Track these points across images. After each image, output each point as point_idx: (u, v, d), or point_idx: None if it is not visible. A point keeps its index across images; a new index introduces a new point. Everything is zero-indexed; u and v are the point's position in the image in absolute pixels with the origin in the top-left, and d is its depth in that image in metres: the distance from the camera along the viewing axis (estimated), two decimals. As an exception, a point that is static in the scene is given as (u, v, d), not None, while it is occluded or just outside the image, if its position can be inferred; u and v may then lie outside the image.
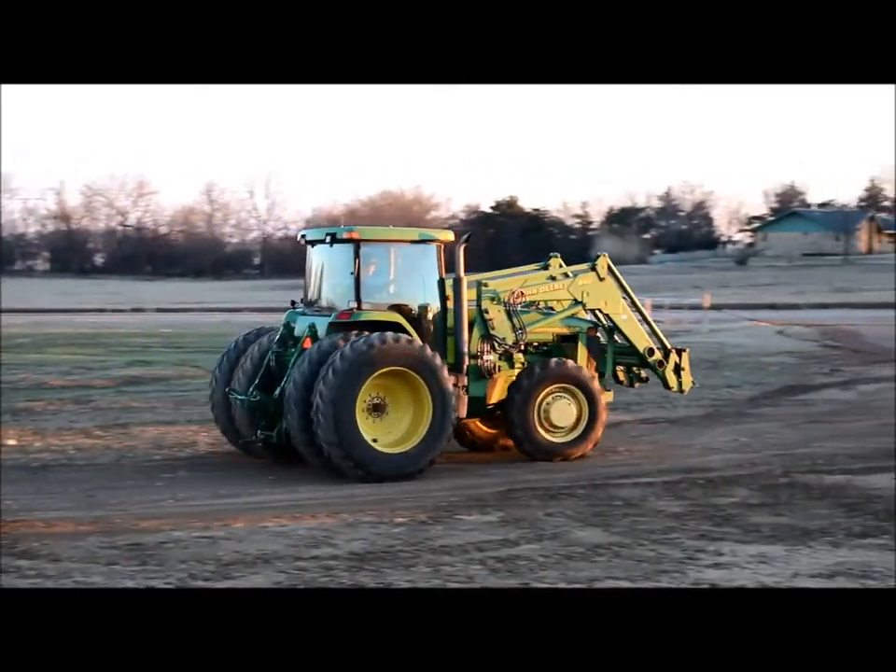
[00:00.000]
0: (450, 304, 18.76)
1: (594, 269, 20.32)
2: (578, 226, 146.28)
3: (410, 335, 18.01)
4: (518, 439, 19.31)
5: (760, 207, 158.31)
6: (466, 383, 18.85)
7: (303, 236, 19.36)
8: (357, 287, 18.22)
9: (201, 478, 17.93)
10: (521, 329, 19.48)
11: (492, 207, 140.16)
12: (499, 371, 19.41)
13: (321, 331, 18.28)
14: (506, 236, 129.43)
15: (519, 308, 19.68)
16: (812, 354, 37.93)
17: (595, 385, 19.48)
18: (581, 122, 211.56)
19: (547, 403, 19.15)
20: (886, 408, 25.60)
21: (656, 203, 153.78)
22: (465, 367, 18.78)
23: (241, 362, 19.14)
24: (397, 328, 18.05)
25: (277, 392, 18.18)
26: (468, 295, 18.84)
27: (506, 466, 18.79)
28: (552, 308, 20.40)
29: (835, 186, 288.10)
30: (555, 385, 19.19)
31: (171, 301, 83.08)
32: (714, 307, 51.91)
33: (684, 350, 20.87)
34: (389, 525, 14.38)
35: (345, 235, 18.34)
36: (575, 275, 20.47)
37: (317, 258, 19.13)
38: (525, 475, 17.91)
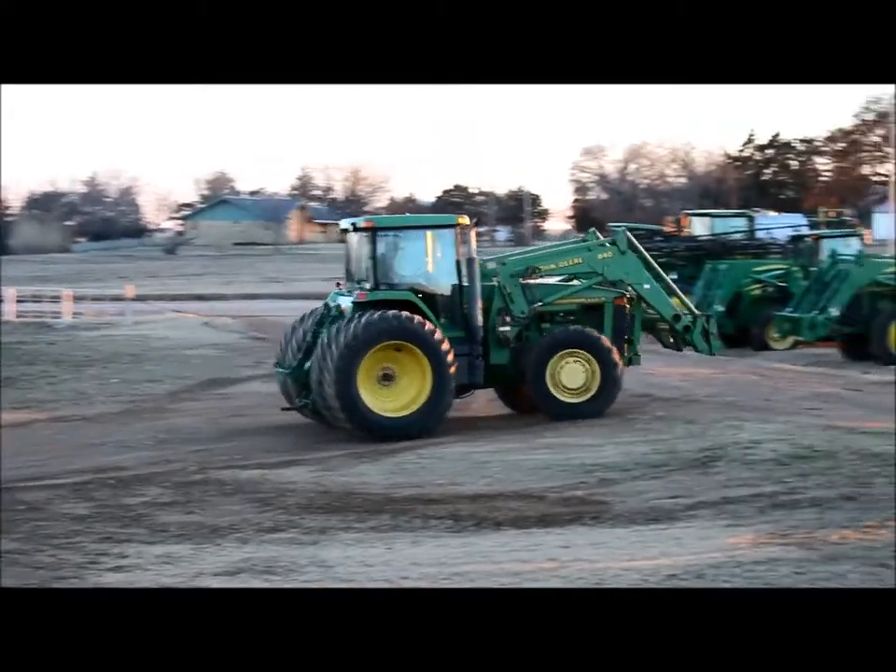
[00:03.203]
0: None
1: (614, 244, 22.01)
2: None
3: (423, 313, 19.95)
4: (536, 400, 21.12)
5: (190, 195, 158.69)
6: (480, 353, 20.62)
7: (341, 225, 22.09)
8: (374, 270, 20.30)
9: None
10: (536, 301, 21.14)
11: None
12: (520, 340, 21.18)
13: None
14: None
15: (535, 283, 21.41)
16: (237, 346, 37.41)
17: (608, 350, 20.83)
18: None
19: (560, 367, 20.74)
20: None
21: (80, 189, 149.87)
22: (478, 338, 20.59)
23: (290, 338, 21.35)
24: (411, 306, 19.88)
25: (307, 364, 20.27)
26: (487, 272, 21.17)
27: None
28: (581, 280, 22.24)
29: (266, 174, 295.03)
30: (567, 350, 20.77)
31: None
32: (139, 298, 51.15)
33: (711, 316, 23.41)
34: None
35: (363, 224, 20.91)
36: (593, 249, 22.06)
37: (350, 244, 21.56)
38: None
